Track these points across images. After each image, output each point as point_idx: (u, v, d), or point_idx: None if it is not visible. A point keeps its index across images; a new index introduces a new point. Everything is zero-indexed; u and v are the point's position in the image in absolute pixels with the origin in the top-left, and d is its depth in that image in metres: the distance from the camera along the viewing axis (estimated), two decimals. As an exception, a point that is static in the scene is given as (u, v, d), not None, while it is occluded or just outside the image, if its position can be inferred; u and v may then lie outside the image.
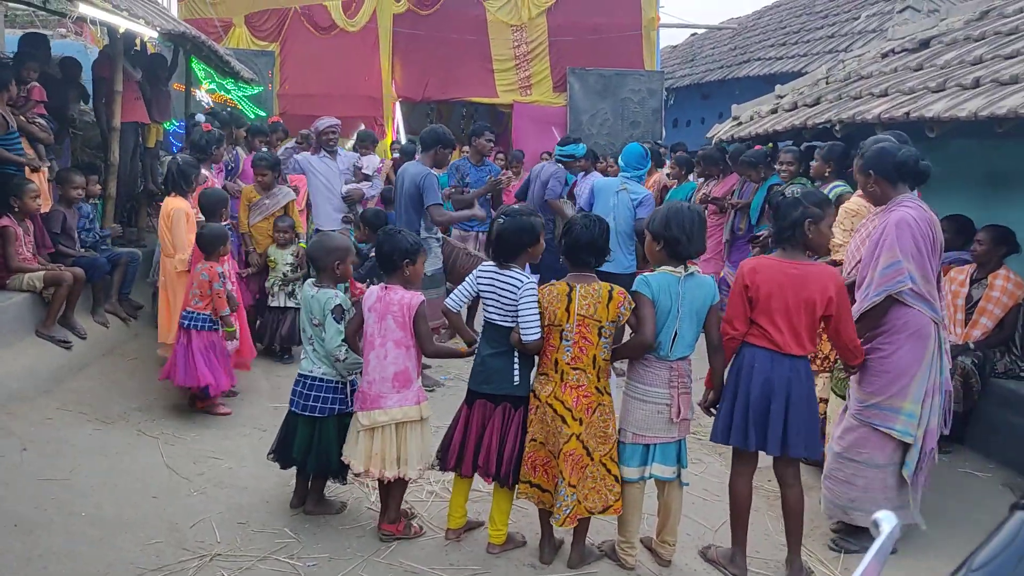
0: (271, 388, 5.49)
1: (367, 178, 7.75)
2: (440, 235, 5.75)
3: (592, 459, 3.16)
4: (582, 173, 7.61)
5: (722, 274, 7.18)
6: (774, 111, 7.43)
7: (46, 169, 5.91)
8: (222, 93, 10.97)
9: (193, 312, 4.77)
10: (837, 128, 5.86)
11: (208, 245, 4.82)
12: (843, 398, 3.74)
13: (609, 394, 3.25)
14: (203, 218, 5.37)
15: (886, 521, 1.17)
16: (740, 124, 7.88)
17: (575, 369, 3.16)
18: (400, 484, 3.43)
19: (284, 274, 6.12)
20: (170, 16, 8.14)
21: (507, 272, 3.30)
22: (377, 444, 3.35)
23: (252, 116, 11.08)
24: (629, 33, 12.72)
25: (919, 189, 3.61)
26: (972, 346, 4.76)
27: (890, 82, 5.99)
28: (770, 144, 7.36)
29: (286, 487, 3.90)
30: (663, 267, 3.25)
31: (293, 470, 4.11)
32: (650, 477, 3.30)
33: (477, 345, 3.45)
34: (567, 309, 3.15)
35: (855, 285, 3.52)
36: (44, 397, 4.60)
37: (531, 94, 12.60)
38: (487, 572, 3.27)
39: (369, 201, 7.61)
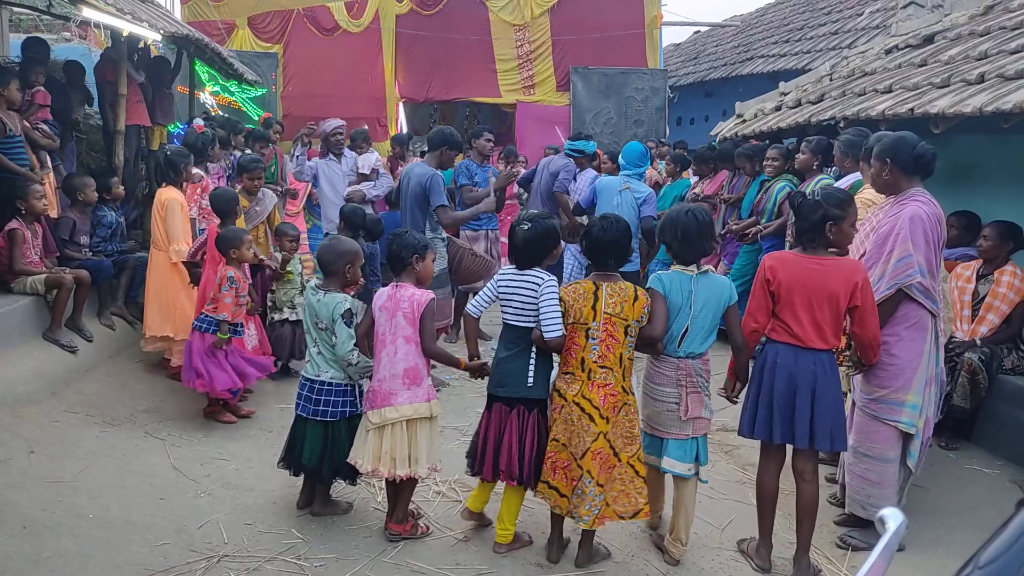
0: (277, 390, 5.50)
1: (366, 178, 7.73)
2: (445, 235, 5.75)
3: (619, 460, 3.18)
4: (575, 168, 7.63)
5: (717, 270, 7.19)
6: (778, 108, 7.42)
7: (52, 174, 5.93)
8: (226, 95, 11.00)
9: (205, 315, 4.74)
10: (841, 125, 5.85)
11: (222, 246, 4.78)
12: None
13: (633, 394, 3.28)
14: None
15: (892, 518, 1.16)
16: (744, 121, 7.88)
17: (602, 367, 3.18)
18: (409, 484, 3.43)
19: (303, 284, 5.66)
20: (173, 19, 8.17)
21: (527, 273, 3.33)
22: (387, 442, 3.33)
23: (256, 118, 11.11)
24: (632, 31, 12.71)
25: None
26: (979, 342, 4.74)
27: (894, 78, 5.97)
28: (766, 141, 7.37)
29: (292, 488, 3.91)
30: (676, 266, 3.33)
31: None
32: (662, 470, 3.36)
33: (473, 361, 3.45)
34: (593, 307, 3.19)
35: None
36: (51, 399, 4.61)
37: (534, 93, 12.59)
38: (494, 572, 3.27)
39: (374, 200, 7.62)
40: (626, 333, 3.19)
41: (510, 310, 3.34)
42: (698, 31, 18.19)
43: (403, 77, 12.51)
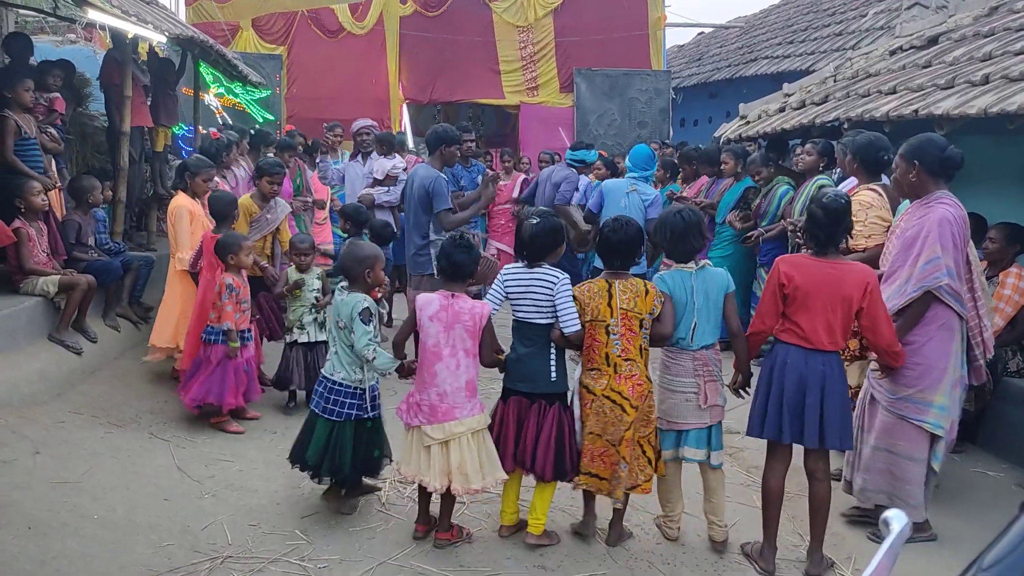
0: (281, 391, 5.49)
1: (379, 182, 7.63)
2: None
3: (632, 441, 3.32)
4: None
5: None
6: (782, 109, 7.41)
7: (57, 177, 5.95)
8: (230, 97, 11.03)
9: (211, 327, 4.68)
10: (846, 126, 5.84)
11: (221, 251, 4.70)
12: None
13: (652, 381, 3.40)
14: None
15: (896, 520, 1.17)
16: (748, 123, 7.87)
17: (627, 360, 3.32)
18: (454, 495, 3.40)
19: (316, 300, 5.10)
20: (178, 20, 8.19)
21: (539, 271, 3.39)
22: (455, 457, 3.28)
23: (260, 120, 11.14)
24: (636, 33, 12.71)
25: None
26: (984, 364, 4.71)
27: (899, 79, 5.96)
28: (761, 143, 7.40)
29: (296, 489, 3.92)
30: (676, 265, 3.46)
31: (303, 473, 4.13)
32: (682, 459, 3.48)
33: (500, 357, 3.49)
34: (609, 304, 3.31)
35: (881, 279, 3.57)
36: (57, 401, 4.63)
37: (538, 95, 12.59)
38: (497, 574, 3.28)
39: (385, 206, 7.51)
40: (641, 326, 3.33)
41: (524, 308, 3.39)
42: (702, 32, 18.18)
43: (407, 79, 12.52)
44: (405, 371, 3.50)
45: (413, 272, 5.54)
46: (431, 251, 5.46)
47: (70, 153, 7.49)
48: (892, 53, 7.25)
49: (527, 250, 3.41)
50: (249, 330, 4.89)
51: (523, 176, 9.24)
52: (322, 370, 3.67)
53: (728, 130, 8.13)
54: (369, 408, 3.57)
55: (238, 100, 11.10)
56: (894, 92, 5.76)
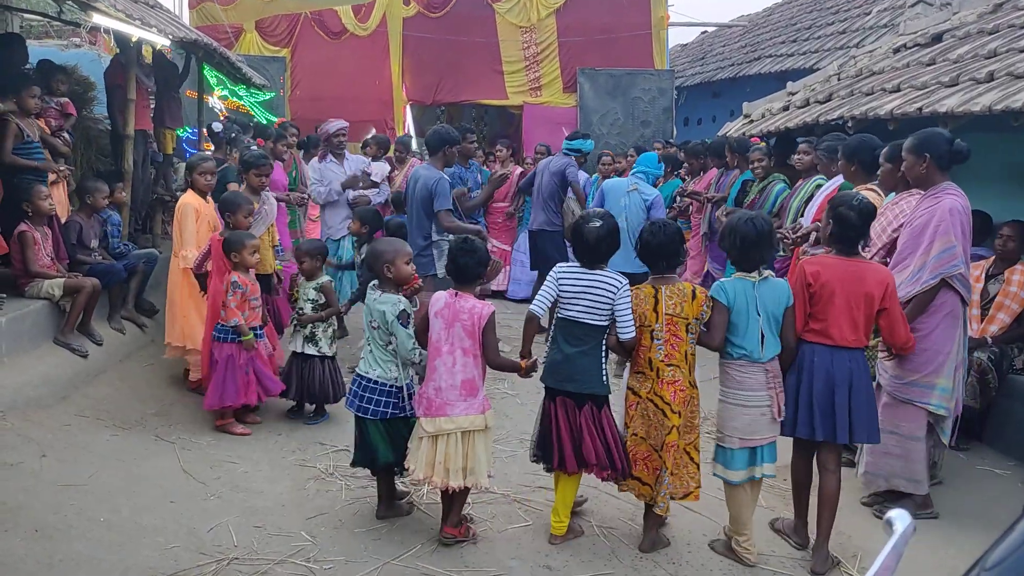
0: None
1: (374, 184, 7.64)
2: (451, 238, 5.75)
3: (679, 446, 3.32)
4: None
5: (706, 268, 7.21)
6: (786, 108, 7.40)
7: (64, 180, 5.97)
8: (235, 99, 11.05)
9: (220, 324, 4.66)
10: (850, 124, 5.83)
11: (226, 248, 4.70)
12: None
13: (697, 387, 3.38)
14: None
15: (899, 520, 1.16)
16: (752, 122, 7.86)
17: (669, 366, 3.31)
18: (464, 491, 3.43)
19: (299, 311, 5.00)
20: (182, 24, 8.21)
21: (599, 273, 3.39)
22: (440, 452, 3.32)
23: (264, 122, 11.15)
24: (639, 32, 12.69)
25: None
26: (989, 341, 4.71)
27: (902, 77, 5.95)
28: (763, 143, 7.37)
29: (301, 490, 3.93)
30: (738, 273, 3.40)
31: (308, 473, 4.14)
32: (760, 477, 3.41)
33: (529, 361, 3.45)
34: (655, 310, 3.31)
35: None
36: (62, 404, 4.64)
37: (541, 95, 12.59)
38: (502, 574, 3.27)
39: (377, 207, 7.54)
40: (687, 331, 3.31)
41: (578, 307, 3.38)
42: (705, 31, 18.16)
43: (410, 80, 12.54)
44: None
45: (416, 272, 5.53)
46: (433, 251, 5.46)
47: (75, 156, 7.51)
48: (896, 51, 7.23)
49: (590, 253, 3.41)
50: (262, 327, 4.87)
51: (520, 169, 9.27)
52: (356, 368, 3.69)
53: (732, 129, 8.13)
54: (408, 408, 3.57)
55: (242, 102, 11.12)
56: (898, 90, 5.75)
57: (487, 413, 3.42)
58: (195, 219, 5.16)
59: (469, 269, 3.41)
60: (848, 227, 3.33)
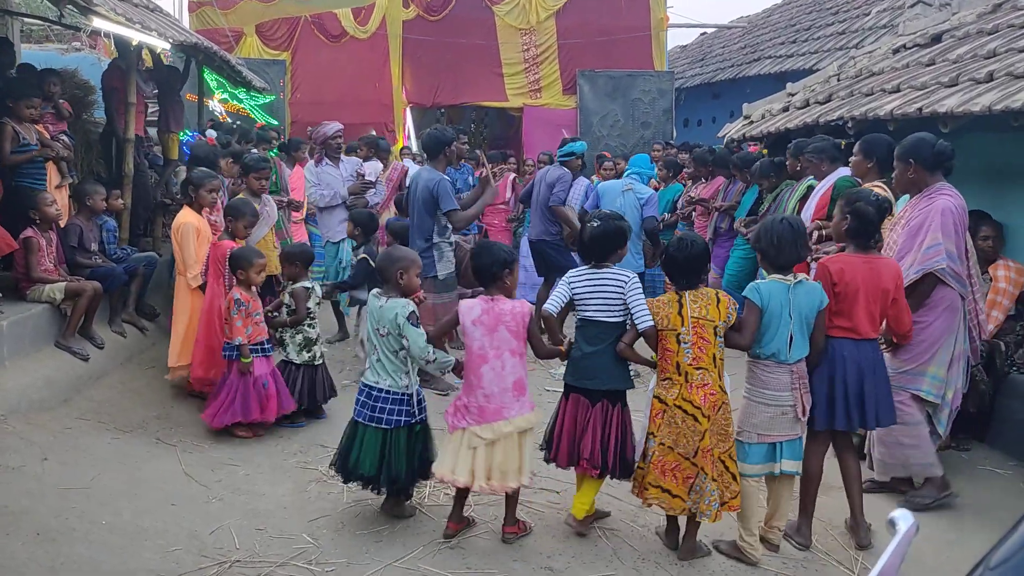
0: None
1: (371, 184, 7.62)
2: (452, 239, 5.76)
3: (713, 455, 3.29)
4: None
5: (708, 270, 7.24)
6: (786, 109, 7.40)
7: (66, 184, 5.98)
8: (234, 102, 11.07)
9: (227, 343, 4.62)
10: (849, 125, 5.83)
11: (232, 264, 4.65)
12: None
13: (727, 393, 3.38)
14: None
15: (902, 520, 1.17)
16: (752, 123, 7.86)
17: (698, 369, 3.31)
18: (518, 489, 3.47)
19: (271, 314, 4.92)
20: (182, 27, 8.22)
21: (608, 271, 3.46)
22: (498, 456, 3.35)
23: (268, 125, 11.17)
24: (638, 34, 12.71)
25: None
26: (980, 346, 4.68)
27: (902, 78, 5.95)
28: (765, 149, 7.40)
29: (303, 493, 3.93)
30: (772, 275, 3.42)
31: (310, 476, 4.13)
32: (780, 473, 3.44)
33: (564, 346, 3.54)
34: (679, 313, 3.32)
35: None
36: (64, 407, 4.65)
37: (541, 97, 12.61)
38: (504, 575, 3.27)
39: (374, 208, 7.53)
40: (715, 334, 3.32)
41: (594, 307, 3.43)
42: (704, 33, 18.16)
43: (410, 82, 12.56)
44: (460, 368, 3.56)
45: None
46: (434, 253, 5.48)
47: (76, 160, 7.51)
48: (895, 51, 7.24)
49: (591, 252, 3.50)
50: (268, 341, 4.78)
51: (512, 175, 9.28)
52: (362, 378, 3.67)
53: (732, 130, 8.13)
54: (416, 412, 3.59)
55: (242, 106, 11.14)
56: (898, 91, 5.75)
57: (536, 410, 3.48)
58: (195, 237, 5.08)
59: (489, 269, 3.44)
60: (867, 222, 3.50)
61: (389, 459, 3.51)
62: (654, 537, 3.63)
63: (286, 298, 4.97)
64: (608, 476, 3.47)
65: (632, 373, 3.59)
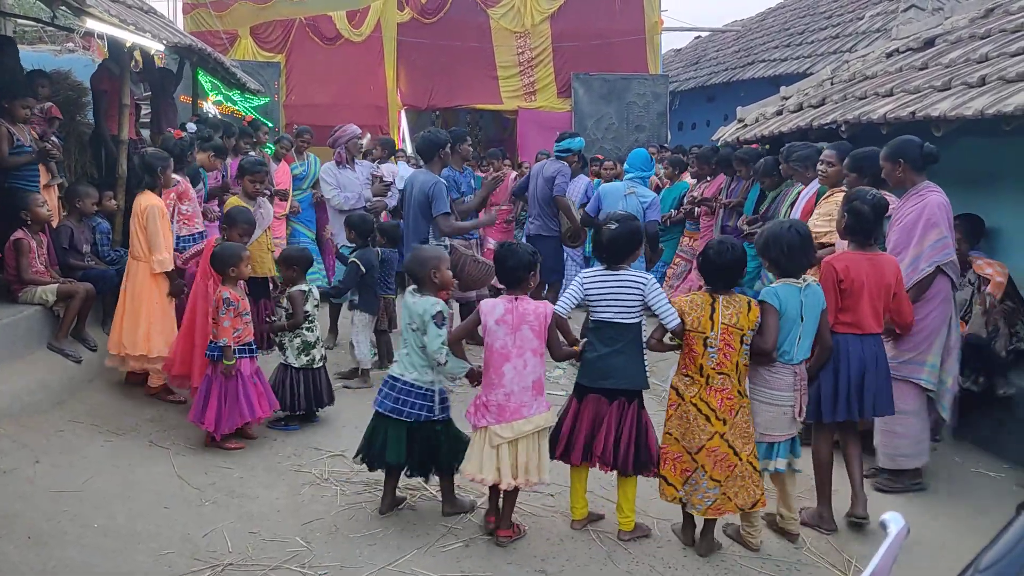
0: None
1: (389, 186, 7.62)
2: (448, 243, 5.75)
3: (740, 459, 3.35)
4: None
5: (692, 274, 7.25)
6: (779, 112, 7.43)
7: (56, 185, 5.96)
8: (229, 104, 11.05)
9: (213, 343, 4.47)
10: (843, 129, 5.86)
11: (218, 264, 4.53)
12: None
13: (747, 396, 3.43)
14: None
15: (894, 522, 1.17)
16: (745, 126, 7.88)
17: (720, 374, 3.35)
18: (516, 491, 3.50)
19: (272, 320, 5.00)
20: (176, 29, 8.21)
21: (624, 273, 3.49)
22: (522, 454, 3.41)
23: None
24: (633, 38, 12.74)
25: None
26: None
27: (895, 82, 5.98)
28: (766, 145, 7.40)
29: (296, 496, 3.92)
30: (783, 279, 3.48)
31: (304, 479, 4.13)
32: (773, 471, 3.51)
33: (577, 346, 3.57)
34: (711, 318, 3.35)
35: None
36: (56, 409, 4.63)
37: (536, 100, 12.62)
38: (498, 579, 3.27)
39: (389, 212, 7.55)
40: (741, 342, 3.36)
41: (612, 309, 3.46)
42: (699, 36, 18.23)
43: (405, 85, 12.56)
44: (474, 376, 3.58)
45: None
46: (430, 256, 5.46)
47: (69, 161, 7.48)
48: (889, 55, 7.27)
49: (608, 254, 3.51)
50: (255, 342, 4.69)
51: (514, 173, 9.29)
52: (390, 369, 3.72)
53: (726, 134, 8.15)
54: (438, 410, 3.61)
55: (236, 108, 11.12)
56: (891, 94, 5.77)
57: (552, 409, 3.51)
58: (161, 219, 4.93)
59: (514, 272, 3.46)
60: (865, 221, 3.64)
61: (420, 450, 3.61)
62: (648, 540, 3.63)
63: (283, 302, 4.96)
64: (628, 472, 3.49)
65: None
